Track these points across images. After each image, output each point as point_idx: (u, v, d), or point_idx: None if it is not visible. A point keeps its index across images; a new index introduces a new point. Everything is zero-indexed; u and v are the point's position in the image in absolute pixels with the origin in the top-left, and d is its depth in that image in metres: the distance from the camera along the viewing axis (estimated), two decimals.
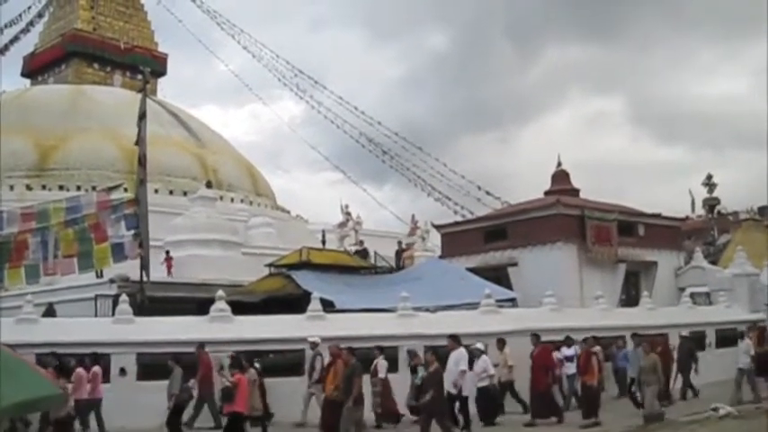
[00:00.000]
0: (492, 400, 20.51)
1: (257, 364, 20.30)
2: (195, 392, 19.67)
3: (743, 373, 23.55)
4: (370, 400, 19.69)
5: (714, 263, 39.25)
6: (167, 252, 34.68)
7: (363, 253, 35.99)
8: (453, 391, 19.12)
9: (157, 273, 29.32)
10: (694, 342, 26.60)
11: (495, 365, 21.51)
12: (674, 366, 24.63)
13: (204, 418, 20.07)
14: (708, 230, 57.05)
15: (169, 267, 34.22)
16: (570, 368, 22.68)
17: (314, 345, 20.82)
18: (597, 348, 22.27)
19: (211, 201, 41.10)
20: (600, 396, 20.72)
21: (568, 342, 23.26)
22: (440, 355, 21.01)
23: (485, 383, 20.22)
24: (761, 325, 27.59)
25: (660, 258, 34.85)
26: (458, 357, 19.32)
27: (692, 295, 32.20)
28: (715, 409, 21.02)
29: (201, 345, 20.42)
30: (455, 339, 19.85)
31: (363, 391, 18.13)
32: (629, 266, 33.85)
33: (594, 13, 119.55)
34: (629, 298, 33.40)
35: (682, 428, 19.69)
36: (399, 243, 39.74)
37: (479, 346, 20.73)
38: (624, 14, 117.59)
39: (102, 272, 28.19)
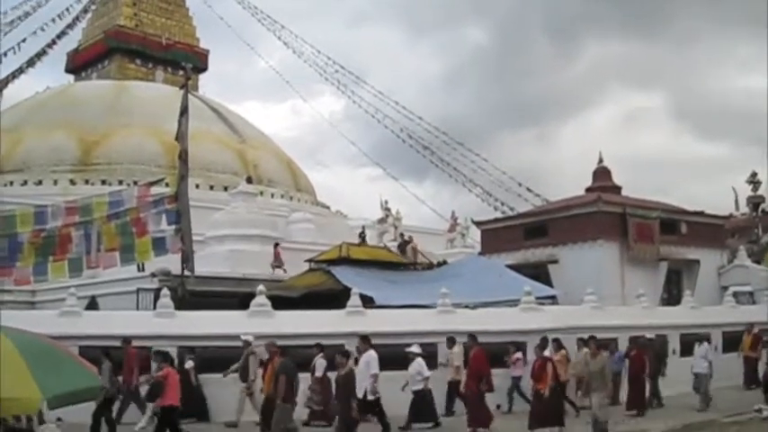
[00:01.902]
0: (424, 403, 19.81)
1: (191, 361, 20.35)
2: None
3: (700, 378, 22.88)
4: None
5: (758, 262, 38.71)
6: (276, 245, 34.93)
7: (403, 246, 35.95)
8: (370, 397, 18.52)
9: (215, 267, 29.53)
10: (664, 345, 25.81)
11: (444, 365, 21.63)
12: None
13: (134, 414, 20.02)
14: (751, 229, 56.17)
15: (277, 255, 34.73)
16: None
17: (247, 343, 20.26)
18: (563, 353, 21.85)
19: (252, 196, 41.25)
20: (551, 405, 19.01)
21: (544, 343, 21.91)
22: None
23: (418, 387, 19.64)
24: (757, 330, 26.98)
25: (703, 257, 34.51)
26: (369, 360, 18.59)
27: (735, 294, 31.78)
28: (758, 411, 20.76)
29: (127, 340, 20.17)
30: (365, 341, 19.06)
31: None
32: (671, 265, 33.56)
33: (635, 7, 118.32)
34: (671, 297, 33.10)
35: (725, 429, 19.43)
36: (402, 235, 39.50)
37: (414, 349, 20.12)
38: (665, 9, 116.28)
39: (143, 265, 28.41)
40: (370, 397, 18.46)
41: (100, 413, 18.00)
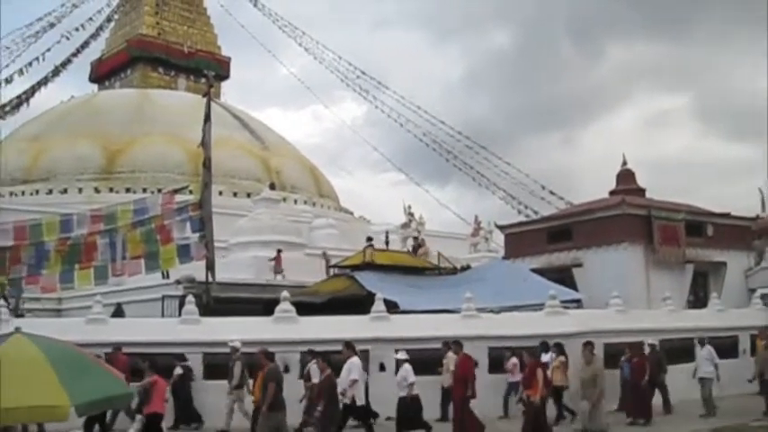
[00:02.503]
0: (409, 410, 19.20)
1: (179, 368, 20.23)
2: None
3: (704, 383, 22.24)
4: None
5: None
6: (279, 251, 35.01)
7: (415, 249, 35.94)
8: (346, 401, 18.29)
9: (242, 274, 29.61)
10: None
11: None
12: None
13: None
14: None
15: (278, 261, 34.69)
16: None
17: (234, 350, 20.15)
18: (562, 359, 21.50)
19: (275, 202, 41.37)
20: (543, 413, 18.81)
21: (545, 348, 22.08)
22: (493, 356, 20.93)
23: (402, 393, 19.22)
24: None
25: (729, 259, 34.24)
26: (349, 366, 18.39)
27: (763, 297, 31.48)
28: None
29: (117, 347, 20.10)
30: (349, 347, 18.87)
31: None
32: (697, 267, 33.33)
33: (659, 9, 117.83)
34: (698, 299, 32.86)
35: None
36: (415, 239, 39.42)
37: (401, 355, 19.71)
38: (690, 10, 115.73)
39: (168, 273, 28.53)
40: (358, 402, 18.51)
41: (92, 421, 18.07)
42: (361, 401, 18.79)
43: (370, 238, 36.27)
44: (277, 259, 34.67)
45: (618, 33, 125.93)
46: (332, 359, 18.24)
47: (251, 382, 19.13)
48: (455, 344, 20.23)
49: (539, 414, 18.24)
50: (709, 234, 34.42)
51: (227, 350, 20.50)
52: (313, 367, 19.80)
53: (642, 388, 21.50)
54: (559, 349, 21.65)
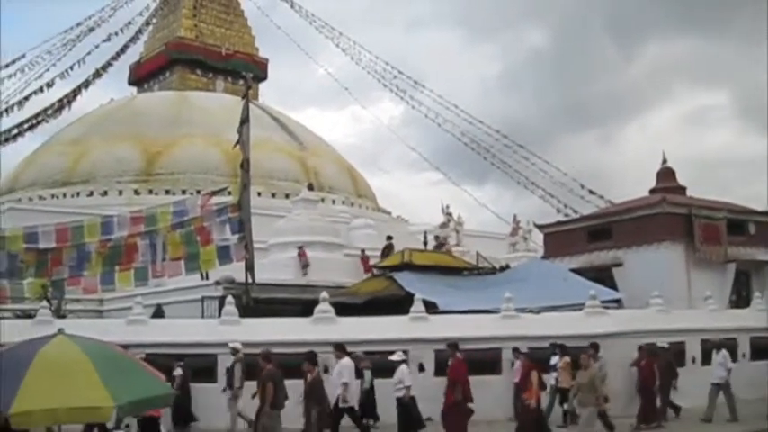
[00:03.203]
0: (406, 411, 19.24)
1: (179, 368, 20.09)
2: None
3: (718, 389, 21.67)
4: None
5: None
6: (300, 247, 35.13)
7: (437, 248, 35.90)
8: (341, 405, 18.42)
9: (265, 274, 29.72)
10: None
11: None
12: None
13: None
14: None
15: (304, 259, 34.82)
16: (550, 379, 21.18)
17: (234, 351, 20.08)
18: (566, 359, 20.99)
19: (313, 203, 41.44)
20: (541, 417, 18.73)
21: (554, 349, 21.80)
22: (533, 358, 20.73)
23: (398, 395, 19.21)
24: None
25: None
26: (340, 368, 18.51)
27: None
28: None
29: (124, 347, 20.12)
30: (340, 348, 18.95)
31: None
32: (739, 266, 32.94)
33: (697, 5, 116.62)
34: (740, 299, 32.48)
35: None
36: (437, 237, 39.25)
37: (396, 357, 19.63)
38: (728, 5, 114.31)
39: (207, 274, 28.66)
40: (341, 404, 18.47)
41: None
42: (352, 403, 18.80)
43: (390, 237, 36.26)
44: (301, 254, 34.85)
45: (655, 30, 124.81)
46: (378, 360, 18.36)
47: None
48: (449, 346, 19.75)
49: (536, 416, 18.07)
50: (752, 232, 34.02)
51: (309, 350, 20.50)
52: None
53: (653, 392, 20.98)
54: (564, 350, 21.31)
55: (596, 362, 19.99)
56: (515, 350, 21.77)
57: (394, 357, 19.62)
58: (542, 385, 18.56)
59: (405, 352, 20.21)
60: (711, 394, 21.61)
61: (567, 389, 20.50)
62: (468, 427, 18.26)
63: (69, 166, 53.94)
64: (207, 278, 28.73)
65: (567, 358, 21.23)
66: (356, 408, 19.35)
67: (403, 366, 19.35)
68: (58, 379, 7.72)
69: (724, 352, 22.19)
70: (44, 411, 7.51)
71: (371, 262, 35.06)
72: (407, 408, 19.19)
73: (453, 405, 18.55)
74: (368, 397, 20.35)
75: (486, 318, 24.10)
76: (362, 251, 36.75)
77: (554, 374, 21.33)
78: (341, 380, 18.38)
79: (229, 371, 20.17)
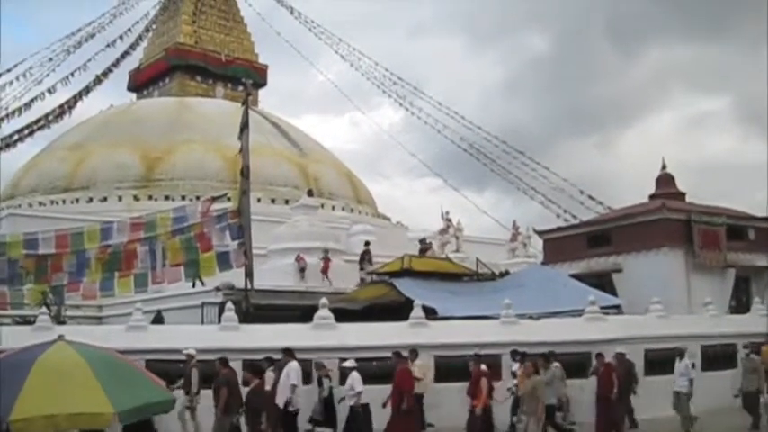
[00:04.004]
0: (356, 418, 19.22)
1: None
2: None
3: (679, 398, 20.85)
4: None
5: None
6: (326, 252, 35.06)
7: (422, 252, 35.95)
8: (290, 408, 18.45)
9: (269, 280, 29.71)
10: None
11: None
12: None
13: None
14: None
15: (326, 270, 34.71)
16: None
17: (189, 357, 19.86)
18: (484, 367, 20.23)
19: (313, 209, 41.48)
20: (491, 425, 18.67)
21: (514, 356, 21.37)
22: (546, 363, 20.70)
23: (350, 402, 19.22)
24: None
25: None
26: (288, 371, 18.50)
27: None
28: None
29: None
30: (288, 353, 19.01)
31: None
32: (738, 272, 32.97)
33: (698, 10, 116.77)
34: (740, 304, 32.47)
35: None
36: (422, 241, 39.08)
37: (348, 363, 19.62)
38: (730, 10, 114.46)
39: (200, 281, 28.53)
40: (290, 408, 18.48)
41: None
42: (297, 407, 18.75)
43: (367, 243, 36.25)
44: (299, 259, 34.87)
45: (656, 36, 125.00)
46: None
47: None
48: (394, 353, 19.71)
49: (484, 424, 17.97)
50: (751, 238, 34.07)
51: (266, 356, 20.53)
52: (268, 374, 19.71)
53: (611, 401, 20.05)
54: (524, 357, 20.58)
55: (547, 371, 19.93)
56: (395, 352, 20.46)
57: (346, 364, 19.61)
58: (491, 393, 18.47)
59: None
60: (675, 403, 20.93)
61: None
62: None
63: (69, 172, 53.99)
64: (202, 284, 28.60)
65: (528, 364, 21.03)
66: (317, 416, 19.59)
67: (354, 373, 19.30)
68: (57, 385, 7.73)
69: (687, 360, 21.36)
70: (44, 417, 7.52)
71: (371, 268, 35.02)
72: (358, 415, 19.17)
73: (400, 415, 18.59)
74: (327, 405, 20.24)
75: (486, 324, 24.07)
76: (325, 251, 36.21)
77: (514, 381, 20.90)
78: (290, 382, 18.44)
79: (185, 377, 20.05)
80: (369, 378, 19.91)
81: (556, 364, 21.11)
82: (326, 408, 20.10)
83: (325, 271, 35.05)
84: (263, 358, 20.15)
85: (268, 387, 19.18)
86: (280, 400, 18.36)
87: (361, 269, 35.60)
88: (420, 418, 20.37)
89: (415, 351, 20.77)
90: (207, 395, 18.50)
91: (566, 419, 21.07)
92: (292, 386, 18.39)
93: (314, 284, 33.43)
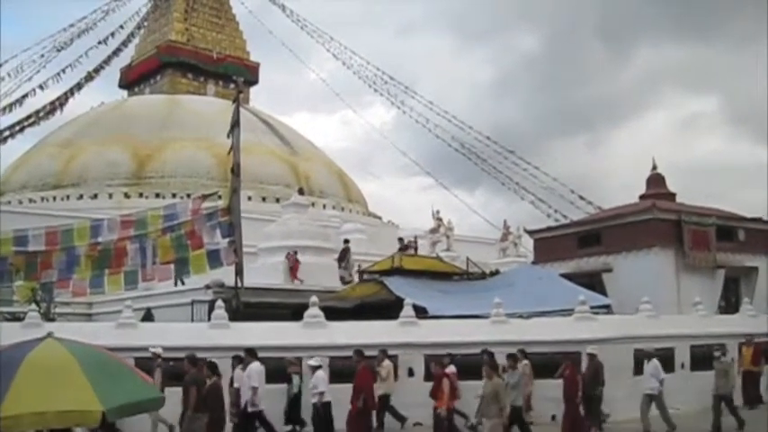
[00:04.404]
0: (318, 417, 19.31)
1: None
2: None
3: (650, 400, 20.63)
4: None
5: None
6: (295, 253, 34.87)
7: (403, 251, 35.96)
8: (250, 409, 18.55)
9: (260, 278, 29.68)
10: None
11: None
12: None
13: None
14: None
15: (294, 270, 34.52)
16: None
17: (155, 356, 19.91)
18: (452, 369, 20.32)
19: (304, 207, 41.40)
20: (453, 426, 18.72)
21: (451, 358, 21.19)
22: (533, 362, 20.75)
23: (313, 400, 19.30)
24: (758, 341, 25.34)
25: (761, 264, 33.96)
26: (249, 372, 18.56)
27: None
28: None
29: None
30: (250, 353, 19.06)
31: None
32: (728, 272, 33.08)
33: (689, 10, 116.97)
34: (729, 305, 32.59)
35: None
36: (401, 240, 38.99)
37: (313, 362, 19.62)
38: (720, 10, 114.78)
39: (182, 280, 28.42)
40: (249, 409, 18.54)
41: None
42: (257, 407, 18.77)
43: (347, 241, 36.05)
44: (289, 256, 34.83)
45: (646, 36, 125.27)
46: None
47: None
48: (356, 353, 19.94)
49: (447, 425, 17.99)
50: (741, 239, 34.16)
51: (234, 355, 20.52)
52: (238, 372, 19.72)
53: (576, 404, 19.86)
54: (491, 357, 20.18)
55: (515, 371, 19.84)
56: (356, 351, 20.71)
57: (311, 362, 19.61)
58: (455, 394, 18.43)
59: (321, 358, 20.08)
60: (643, 406, 20.68)
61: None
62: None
63: (60, 169, 53.89)
64: (183, 284, 28.50)
65: (526, 362, 21.05)
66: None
67: (319, 372, 19.33)
68: (46, 382, 7.71)
69: (655, 362, 21.09)
70: (33, 415, 7.50)
71: (362, 267, 34.98)
72: (320, 413, 19.21)
73: (357, 413, 18.83)
74: (295, 402, 20.21)
75: (476, 323, 24.09)
76: (293, 252, 35.53)
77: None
78: (251, 384, 18.46)
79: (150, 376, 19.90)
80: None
81: (525, 362, 21.11)
82: (293, 405, 20.05)
83: (293, 272, 34.74)
84: (232, 357, 20.25)
85: (237, 385, 19.28)
86: (240, 401, 18.41)
87: (340, 267, 35.48)
88: (380, 417, 20.60)
89: (384, 351, 20.80)
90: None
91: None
92: (253, 388, 18.37)
93: (305, 283, 33.37)
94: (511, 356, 19.89)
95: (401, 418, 21.21)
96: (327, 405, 19.22)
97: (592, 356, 20.90)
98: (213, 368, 17.68)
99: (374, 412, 20.08)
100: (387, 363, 20.88)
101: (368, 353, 20.82)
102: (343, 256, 35.60)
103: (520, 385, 19.80)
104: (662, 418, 20.61)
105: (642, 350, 22.15)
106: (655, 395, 20.67)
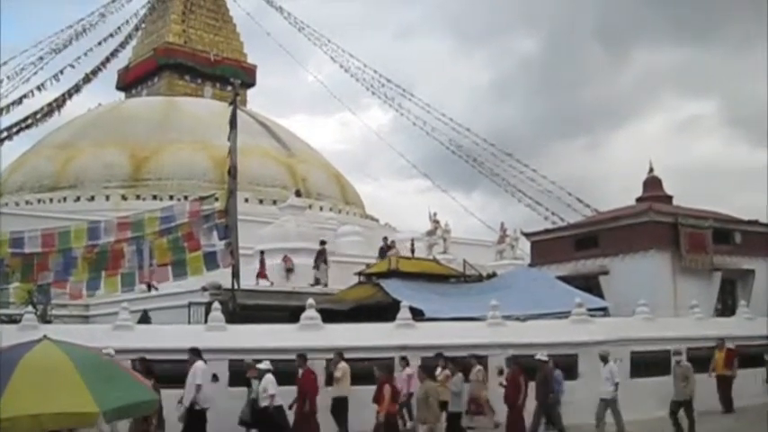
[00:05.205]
0: (269, 420, 19.07)
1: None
2: None
3: (606, 405, 20.06)
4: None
5: None
6: (262, 253, 34.73)
7: (383, 251, 35.98)
8: (196, 407, 18.39)
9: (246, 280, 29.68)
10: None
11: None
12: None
13: None
14: None
15: (263, 272, 34.41)
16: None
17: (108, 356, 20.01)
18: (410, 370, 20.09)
19: (301, 209, 41.47)
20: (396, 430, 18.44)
21: (406, 361, 21.03)
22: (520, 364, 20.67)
23: (264, 404, 19.07)
24: (731, 346, 24.91)
25: (758, 266, 33.97)
26: (194, 371, 18.42)
27: None
28: None
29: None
30: (194, 352, 18.94)
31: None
32: (725, 275, 33.11)
33: (688, 13, 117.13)
34: (726, 307, 32.64)
35: None
36: (385, 239, 38.90)
37: (263, 365, 19.36)
38: (718, 13, 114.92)
39: (154, 287, 28.21)
40: (196, 407, 18.40)
41: None
42: (204, 406, 18.59)
43: (323, 242, 35.81)
44: (286, 259, 34.79)
45: (645, 39, 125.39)
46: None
47: None
48: (299, 356, 19.86)
49: (386, 429, 17.83)
50: (737, 241, 34.19)
51: (253, 357, 20.53)
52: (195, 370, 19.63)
53: (518, 409, 19.52)
54: (446, 362, 20.49)
55: (452, 374, 19.83)
56: (299, 355, 20.48)
57: (261, 366, 19.41)
58: (396, 399, 18.29)
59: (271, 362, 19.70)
60: (599, 411, 20.21)
61: (446, 402, 20.04)
62: None
63: (57, 171, 53.88)
64: (156, 290, 28.40)
65: (447, 371, 20.65)
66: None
67: (268, 375, 19.21)
68: (42, 385, 7.71)
69: (611, 365, 20.55)
70: (29, 417, 7.50)
71: (358, 269, 34.98)
72: (271, 416, 19.09)
73: (302, 417, 18.80)
74: (254, 407, 20.12)
75: (473, 325, 24.10)
76: (261, 253, 35.42)
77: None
78: (195, 382, 18.36)
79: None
80: (358, 379, 19.96)
81: (478, 367, 20.94)
82: (254, 410, 19.97)
83: (261, 275, 34.50)
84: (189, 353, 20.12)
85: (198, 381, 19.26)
86: (185, 400, 18.33)
87: (315, 268, 35.41)
88: (342, 419, 20.36)
89: (340, 354, 20.72)
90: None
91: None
92: (197, 386, 18.35)
93: (302, 285, 33.39)
94: (452, 361, 19.90)
95: (345, 426, 20.61)
96: (279, 408, 19.13)
97: (543, 363, 20.62)
98: (147, 369, 17.56)
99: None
100: (342, 365, 20.66)
101: (364, 356, 20.83)
102: (319, 257, 35.39)
103: (462, 392, 19.77)
104: (615, 423, 20.09)
105: (598, 353, 21.31)
106: (609, 400, 20.11)
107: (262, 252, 35.06)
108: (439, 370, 20.49)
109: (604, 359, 20.69)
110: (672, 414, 20.29)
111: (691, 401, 20.36)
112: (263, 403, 19.07)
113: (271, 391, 18.95)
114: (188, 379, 18.45)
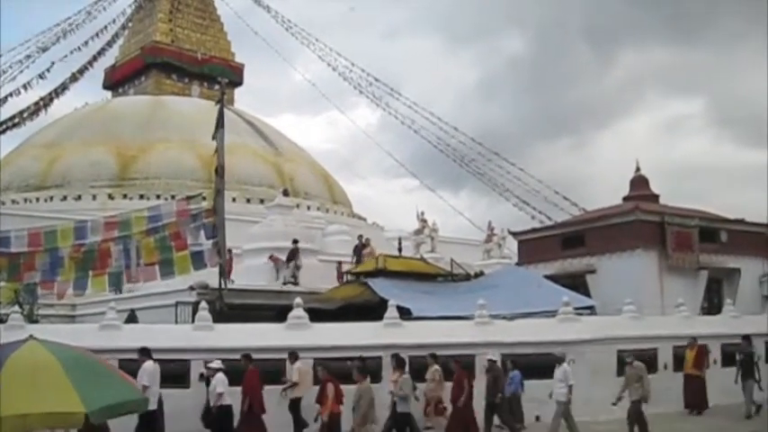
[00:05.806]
0: (221, 420, 19.02)
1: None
2: None
3: (561, 407, 19.72)
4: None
5: None
6: (230, 251, 34.47)
7: (358, 249, 35.94)
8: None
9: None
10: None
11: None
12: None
13: None
14: None
15: (229, 271, 34.05)
16: None
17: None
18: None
19: (288, 209, 41.37)
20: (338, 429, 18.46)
21: (427, 359, 21.12)
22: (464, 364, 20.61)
23: (212, 402, 19.11)
24: (702, 343, 24.90)
25: (744, 265, 34.13)
26: (142, 372, 18.40)
27: None
28: None
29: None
30: (144, 352, 18.98)
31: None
32: (711, 273, 33.24)
33: (674, 13, 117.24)
34: (712, 306, 32.76)
35: None
36: (360, 237, 38.76)
37: (214, 364, 19.38)
38: (706, 13, 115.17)
39: (119, 290, 28.13)
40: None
41: None
42: (153, 407, 18.37)
43: (295, 241, 35.64)
44: (275, 259, 34.66)
45: (631, 38, 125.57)
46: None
47: None
48: (244, 357, 19.77)
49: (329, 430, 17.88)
50: (724, 240, 34.34)
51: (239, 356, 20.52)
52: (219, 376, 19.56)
53: (459, 408, 19.49)
54: (399, 363, 20.35)
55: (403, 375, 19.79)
56: (244, 355, 20.24)
57: (212, 365, 19.41)
58: (340, 400, 18.31)
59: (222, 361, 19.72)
60: (556, 414, 19.89)
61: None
62: None
63: (43, 170, 53.62)
64: (120, 292, 28.29)
65: (437, 367, 20.84)
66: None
67: (219, 375, 19.16)
68: (29, 384, 7.71)
69: (565, 366, 20.03)
70: (16, 417, 7.49)
71: (346, 268, 34.99)
72: (220, 416, 19.05)
73: (245, 418, 18.82)
74: (207, 407, 20.03)
75: (460, 324, 24.15)
76: (229, 251, 35.46)
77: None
78: (141, 382, 18.21)
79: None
80: (344, 378, 19.91)
81: (435, 367, 20.90)
82: (207, 409, 19.86)
83: (228, 271, 34.15)
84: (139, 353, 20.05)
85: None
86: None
87: (287, 267, 35.00)
88: (298, 419, 20.34)
89: (294, 353, 20.69)
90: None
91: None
92: (143, 387, 18.30)
93: (289, 284, 33.34)
94: (398, 361, 19.97)
95: (302, 425, 20.56)
96: (228, 408, 19.10)
97: (491, 362, 20.73)
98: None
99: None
100: (298, 365, 20.64)
101: (350, 354, 20.82)
102: (292, 256, 35.18)
103: (408, 398, 19.57)
104: (567, 427, 19.80)
105: (551, 354, 21.19)
106: (563, 402, 19.74)
107: (230, 251, 34.93)
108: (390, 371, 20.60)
109: (559, 360, 20.31)
110: (629, 417, 19.66)
111: (644, 401, 19.73)
112: (212, 402, 19.07)
113: (219, 389, 18.91)
114: (137, 379, 18.41)
